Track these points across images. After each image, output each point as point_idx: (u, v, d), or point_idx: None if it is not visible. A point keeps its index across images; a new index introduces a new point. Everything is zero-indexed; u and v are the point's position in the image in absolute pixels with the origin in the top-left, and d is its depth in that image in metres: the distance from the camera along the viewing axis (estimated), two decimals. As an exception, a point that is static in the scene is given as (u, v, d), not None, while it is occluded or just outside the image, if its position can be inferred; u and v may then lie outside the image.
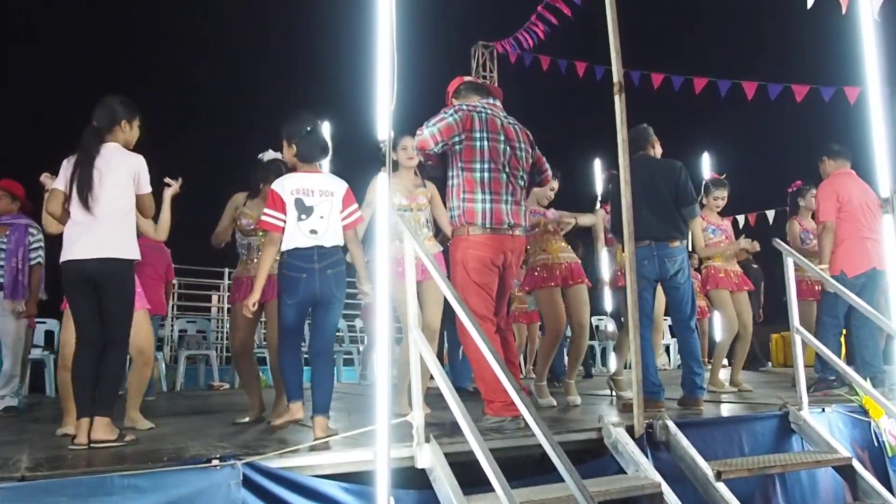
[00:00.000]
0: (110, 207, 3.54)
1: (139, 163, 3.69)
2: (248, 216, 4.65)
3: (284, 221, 3.70)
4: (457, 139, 3.93)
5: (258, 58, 16.03)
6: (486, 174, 3.93)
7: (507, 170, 3.99)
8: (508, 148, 4.02)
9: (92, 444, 3.31)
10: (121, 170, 3.60)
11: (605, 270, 7.07)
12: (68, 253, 3.50)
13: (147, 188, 3.71)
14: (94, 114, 3.67)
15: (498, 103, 4.21)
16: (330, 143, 4.03)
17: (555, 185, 5.36)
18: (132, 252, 3.61)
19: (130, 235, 3.62)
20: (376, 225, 3.16)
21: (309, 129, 3.89)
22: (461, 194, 3.97)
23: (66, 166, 3.59)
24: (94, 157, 3.56)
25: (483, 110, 4.03)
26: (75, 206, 3.52)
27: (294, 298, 3.66)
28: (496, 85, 15.28)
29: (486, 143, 3.94)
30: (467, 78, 4.32)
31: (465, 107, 4.00)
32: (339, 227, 3.80)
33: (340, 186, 3.86)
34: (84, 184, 3.50)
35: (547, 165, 4.35)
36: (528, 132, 4.23)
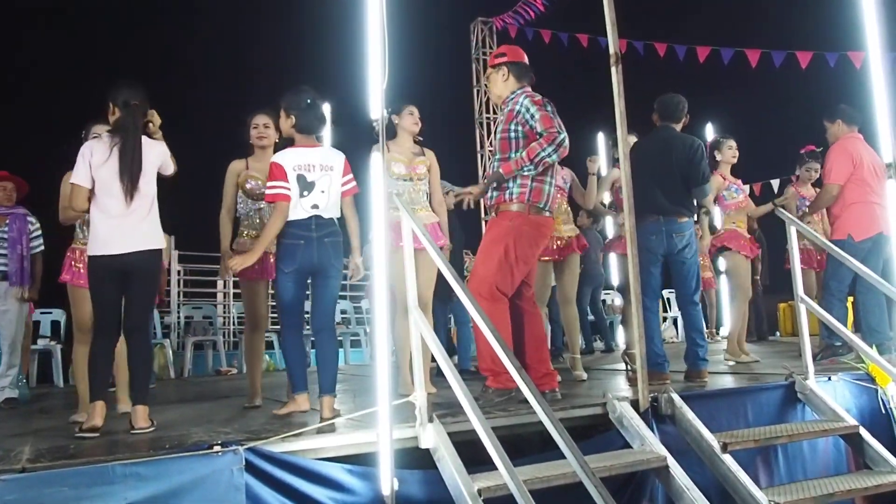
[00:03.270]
0: (145, 198, 3.55)
1: (164, 149, 3.71)
2: (255, 177, 4.45)
3: (289, 189, 3.72)
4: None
5: (253, 39, 15.93)
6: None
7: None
8: None
9: (133, 432, 3.35)
10: (153, 163, 3.61)
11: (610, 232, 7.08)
12: (103, 247, 3.46)
13: (172, 168, 3.76)
14: (132, 93, 3.58)
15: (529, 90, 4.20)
16: (328, 120, 4.03)
17: None
18: (162, 241, 3.66)
19: (159, 224, 3.65)
20: (372, 202, 3.14)
21: (309, 101, 3.91)
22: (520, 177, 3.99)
23: (88, 157, 3.48)
24: (139, 146, 3.52)
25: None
26: (111, 199, 3.47)
27: (292, 265, 3.69)
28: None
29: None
30: (525, 60, 4.28)
31: (538, 97, 4.05)
32: (338, 201, 3.85)
33: (339, 158, 3.92)
34: (131, 175, 3.47)
35: None
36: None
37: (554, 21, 12.88)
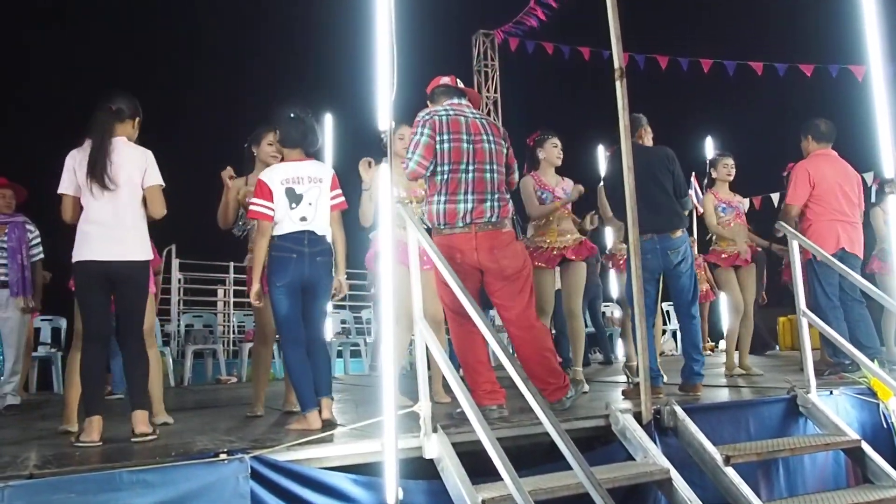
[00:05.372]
0: (127, 205, 3.50)
1: (148, 155, 3.63)
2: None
3: (273, 210, 3.74)
4: (438, 149, 3.95)
5: (255, 49, 15.99)
6: (445, 175, 3.94)
7: (470, 167, 3.95)
8: (472, 144, 3.97)
9: (133, 439, 3.33)
10: (133, 165, 3.54)
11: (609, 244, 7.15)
12: (88, 252, 3.42)
13: (156, 179, 3.61)
14: (113, 99, 3.58)
15: (464, 102, 4.15)
16: (319, 135, 4.03)
17: (556, 141, 5.38)
18: (148, 252, 3.63)
19: (146, 234, 3.61)
20: (378, 216, 3.16)
21: (292, 115, 3.93)
22: (428, 198, 4.05)
23: (73, 165, 3.48)
24: (111, 150, 3.46)
25: (445, 112, 4.01)
26: (95, 203, 3.43)
27: (283, 279, 3.69)
28: (496, 73, 15.33)
29: (447, 144, 3.93)
30: (443, 80, 4.22)
31: (427, 116, 3.99)
32: (327, 215, 3.87)
33: (328, 173, 3.96)
34: (104, 178, 3.41)
35: (515, 168, 4.29)
36: (499, 127, 4.19)
37: (555, 33, 12.95)
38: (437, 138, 3.92)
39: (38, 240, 5.80)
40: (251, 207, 3.80)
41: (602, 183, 6.20)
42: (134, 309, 3.57)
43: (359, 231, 4.81)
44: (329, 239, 3.89)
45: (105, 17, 14.83)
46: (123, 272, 3.47)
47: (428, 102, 4.28)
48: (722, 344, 8.53)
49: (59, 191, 3.50)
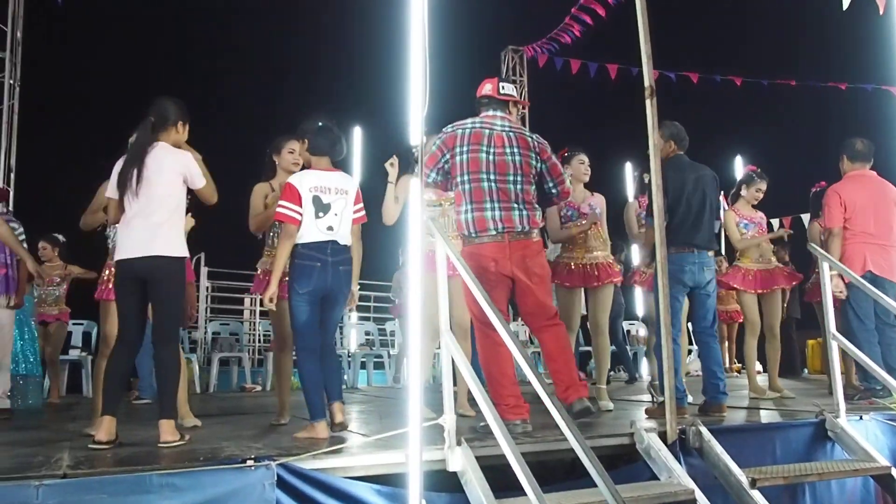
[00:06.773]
0: (158, 206, 3.57)
1: (188, 159, 3.72)
2: None
3: (301, 214, 3.79)
4: (442, 162, 4.03)
5: (287, 64, 16.16)
6: (467, 185, 3.98)
7: (491, 177, 3.96)
8: (493, 155, 3.98)
9: (160, 445, 3.37)
10: (170, 169, 3.63)
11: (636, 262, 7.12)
12: (122, 252, 3.56)
13: (201, 181, 3.75)
14: (150, 109, 3.72)
15: (501, 114, 4.14)
16: (345, 145, 4.09)
17: (584, 157, 5.38)
18: (181, 249, 3.67)
19: (178, 233, 3.66)
20: (409, 227, 3.19)
21: (321, 124, 4.01)
22: (456, 207, 4.09)
23: (117, 167, 3.63)
24: (146, 155, 3.59)
25: (470, 126, 4.05)
26: (129, 207, 3.56)
27: (306, 287, 3.75)
28: (524, 89, 15.35)
29: (465, 156, 3.98)
30: (486, 89, 4.19)
31: (449, 129, 4.06)
32: (350, 225, 3.94)
33: (353, 185, 4.03)
34: (134, 181, 3.53)
35: (564, 178, 4.23)
36: (533, 140, 4.13)
37: (587, 50, 12.94)
38: (457, 149, 3.99)
39: (22, 236, 5.78)
40: (278, 210, 3.84)
41: (630, 201, 6.20)
42: (168, 310, 3.61)
43: (383, 239, 4.85)
44: (349, 249, 3.94)
45: (133, 20, 14.97)
46: (151, 267, 3.52)
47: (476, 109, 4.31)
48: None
49: (106, 195, 3.69)
